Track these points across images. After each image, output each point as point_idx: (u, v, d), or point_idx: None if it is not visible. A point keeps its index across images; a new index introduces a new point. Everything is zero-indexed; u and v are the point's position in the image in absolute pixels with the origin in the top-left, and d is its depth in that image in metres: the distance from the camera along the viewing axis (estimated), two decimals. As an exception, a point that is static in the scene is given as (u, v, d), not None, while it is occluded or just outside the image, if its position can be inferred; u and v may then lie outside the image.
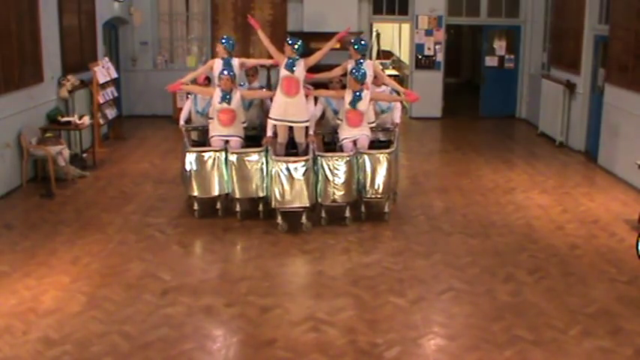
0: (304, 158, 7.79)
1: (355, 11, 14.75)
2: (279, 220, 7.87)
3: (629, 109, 10.11)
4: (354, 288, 6.43)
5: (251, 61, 9.09)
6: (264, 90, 9.18)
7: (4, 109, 9.11)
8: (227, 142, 8.27)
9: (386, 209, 8.25)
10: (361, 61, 8.28)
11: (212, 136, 8.36)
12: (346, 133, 8.20)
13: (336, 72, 8.49)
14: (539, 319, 5.82)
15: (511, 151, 12.66)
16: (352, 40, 8.53)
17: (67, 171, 9.78)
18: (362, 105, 8.01)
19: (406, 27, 16.37)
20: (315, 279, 6.65)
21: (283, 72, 8.07)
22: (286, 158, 7.85)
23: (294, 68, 8.02)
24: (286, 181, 7.68)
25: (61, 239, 7.59)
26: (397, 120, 8.89)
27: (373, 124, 8.56)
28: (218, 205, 8.30)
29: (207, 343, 5.43)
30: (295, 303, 6.10)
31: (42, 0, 10.14)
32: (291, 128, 8.30)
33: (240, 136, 8.36)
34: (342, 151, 8.17)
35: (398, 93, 9.16)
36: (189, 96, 9.20)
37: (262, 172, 7.97)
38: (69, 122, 10.39)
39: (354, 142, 8.13)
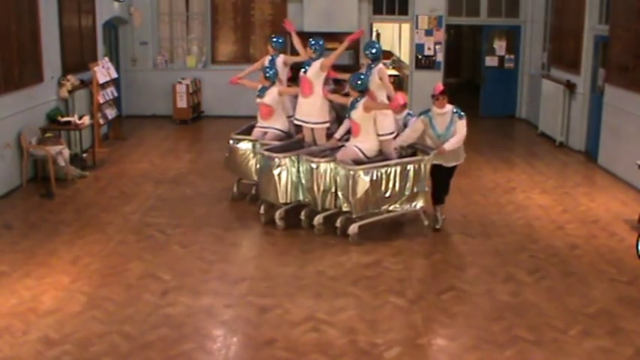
0: (281, 155, 7.73)
1: (355, 11, 14.75)
2: (261, 208, 8.11)
3: (629, 109, 10.11)
4: (354, 288, 6.43)
5: (291, 59, 9.43)
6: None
7: (4, 109, 9.11)
8: (266, 132, 8.65)
9: (349, 231, 7.51)
10: (372, 66, 8.01)
11: (255, 126, 8.80)
12: (349, 142, 7.90)
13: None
14: (539, 319, 5.82)
15: (511, 150, 12.66)
16: (365, 45, 8.30)
17: (67, 171, 9.77)
18: (355, 114, 7.57)
19: (406, 27, 16.36)
20: (315, 279, 6.65)
21: (301, 72, 8.28)
22: (263, 152, 7.94)
23: (307, 69, 8.17)
24: (263, 174, 7.84)
25: (61, 239, 7.59)
26: (447, 146, 7.72)
27: (390, 136, 7.81)
28: (235, 189, 9.02)
29: (207, 343, 5.43)
30: (295, 303, 6.09)
31: (42, 0, 10.14)
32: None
33: (279, 129, 8.66)
34: None
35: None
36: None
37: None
38: (69, 122, 10.38)
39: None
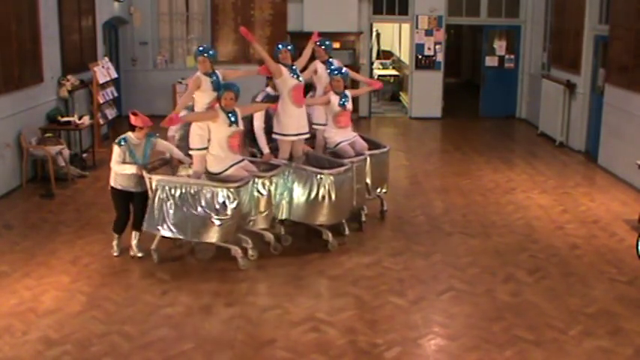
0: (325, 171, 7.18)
1: (355, 11, 14.76)
2: None
3: (629, 109, 10.11)
4: (354, 288, 6.42)
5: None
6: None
7: (4, 109, 9.11)
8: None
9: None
10: (330, 60, 7.99)
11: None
12: (340, 136, 7.84)
13: (306, 75, 7.89)
14: (539, 319, 5.83)
15: (511, 151, 12.66)
16: (318, 42, 7.97)
17: (67, 171, 9.78)
18: (349, 103, 7.90)
19: (406, 27, 16.37)
20: (315, 279, 6.65)
21: (292, 81, 7.42)
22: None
23: (299, 74, 7.57)
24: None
25: (61, 239, 7.60)
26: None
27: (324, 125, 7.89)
28: None
29: (207, 343, 5.43)
30: (295, 303, 6.09)
31: (42, 0, 10.15)
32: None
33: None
34: (336, 156, 7.72)
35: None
36: None
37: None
38: (69, 122, 10.39)
39: (352, 145, 7.87)
